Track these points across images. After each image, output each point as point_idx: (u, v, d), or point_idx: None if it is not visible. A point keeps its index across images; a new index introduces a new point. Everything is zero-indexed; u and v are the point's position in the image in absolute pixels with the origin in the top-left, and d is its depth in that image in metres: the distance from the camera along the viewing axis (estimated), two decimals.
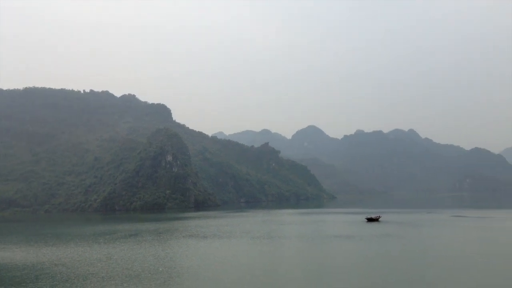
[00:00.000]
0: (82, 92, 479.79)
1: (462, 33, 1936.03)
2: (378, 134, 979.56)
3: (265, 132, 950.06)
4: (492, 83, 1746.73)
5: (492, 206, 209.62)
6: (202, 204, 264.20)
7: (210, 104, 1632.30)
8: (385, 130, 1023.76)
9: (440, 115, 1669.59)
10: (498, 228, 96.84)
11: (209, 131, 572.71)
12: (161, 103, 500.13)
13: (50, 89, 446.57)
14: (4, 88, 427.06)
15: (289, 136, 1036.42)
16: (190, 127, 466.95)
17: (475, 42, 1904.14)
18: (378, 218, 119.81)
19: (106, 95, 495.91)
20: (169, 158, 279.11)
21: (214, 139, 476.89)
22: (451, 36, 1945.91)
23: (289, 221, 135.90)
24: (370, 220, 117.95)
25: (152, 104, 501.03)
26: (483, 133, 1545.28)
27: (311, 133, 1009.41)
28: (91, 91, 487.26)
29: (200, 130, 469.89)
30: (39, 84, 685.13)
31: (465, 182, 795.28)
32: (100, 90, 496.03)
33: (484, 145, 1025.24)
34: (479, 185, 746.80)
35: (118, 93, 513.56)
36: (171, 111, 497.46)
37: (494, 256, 56.56)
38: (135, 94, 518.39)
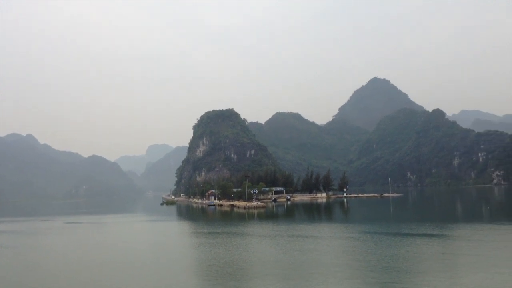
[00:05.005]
0: None
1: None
2: None
3: None
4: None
5: (108, 211, 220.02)
6: None
7: None
8: (2, 134, 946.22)
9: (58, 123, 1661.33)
10: (104, 232, 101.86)
11: None
12: None
13: None
14: None
15: None
16: None
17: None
18: None
19: None
20: None
21: None
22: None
23: None
24: None
25: None
26: (100, 142, 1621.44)
27: None
28: None
29: None
30: None
31: (82, 188, 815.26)
32: None
33: (100, 152, 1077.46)
34: (95, 191, 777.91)
35: None
36: None
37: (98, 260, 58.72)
38: None
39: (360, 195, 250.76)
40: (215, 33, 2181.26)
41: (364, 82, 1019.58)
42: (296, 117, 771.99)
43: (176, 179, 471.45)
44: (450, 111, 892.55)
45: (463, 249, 53.86)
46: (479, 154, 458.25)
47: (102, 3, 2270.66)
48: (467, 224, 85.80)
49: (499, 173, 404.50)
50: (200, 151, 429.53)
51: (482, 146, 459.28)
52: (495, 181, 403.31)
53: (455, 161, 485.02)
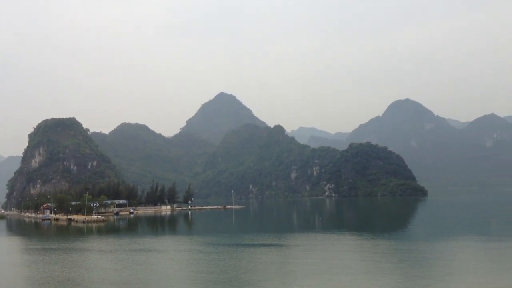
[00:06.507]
0: None
1: None
2: None
3: None
4: None
5: None
6: None
7: None
8: None
9: None
10: None
11: None
12: None
13: None
14: None
15: None
16: None
17: None
18: None
19: None
20: None
21: None
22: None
23: None
24: None
25: None
26: None
27: None
28: None
29: None
30: None
31: None
32: None
33: None
34: None
35: None
36: None
37: None
38: None
39: (204, 207, 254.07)
40: (56, 38, 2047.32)
41: (212, 97, 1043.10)
42: (143, 128, 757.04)
43: (7, 191, 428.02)
44: (290, 128, 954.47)
45: (298, 257, 57.62)
46: (314, 168, 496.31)
47: None
48: (302, 233, 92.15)
49: (330, 186, 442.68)
50: (35, 161, 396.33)
51: (316, 161, 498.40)
52: (327, 193, 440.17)
53: (293, 175, 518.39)
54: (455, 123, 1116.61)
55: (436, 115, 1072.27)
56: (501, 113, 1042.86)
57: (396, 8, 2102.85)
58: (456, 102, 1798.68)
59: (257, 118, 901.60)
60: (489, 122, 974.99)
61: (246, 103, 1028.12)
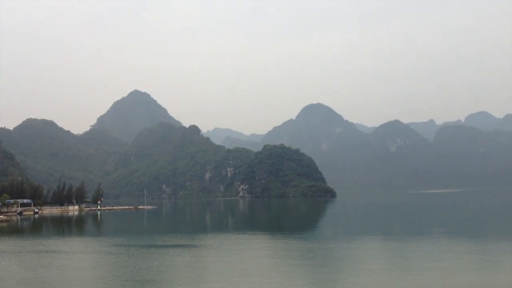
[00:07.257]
0: None
1: None
2: None
3: None
4: None
5: None
6: None
7: None
8: None
9: None
10: None
11: None
12: None
13: None
14: None
15: None
16: None
17: None
18: None
19: None
20: None
21: None
22: None
23: None
24: None
25: None
26: None
27: None
28: None
29: None
30: None
31: None
32: None
33: None
34: None
35: None
36: None
37: None
38: None
39: (114, 207, 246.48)
40: None
41: (125, 94, 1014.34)
42: (50, 124, 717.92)
43: None
44: (205, 128, 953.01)
45: (211, 257, 57.75)
46: (228, 169, 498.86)
47: None
48: (215, 234, 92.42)
49: (244, 187, 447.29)
50: None
51: (231, 162, 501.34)
52: (240, 194, 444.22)
53: (207, 175, 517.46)
54: (362, 128, 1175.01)
55: (345, 119, 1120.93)
56: (405, 120, 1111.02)
57: (307, 15, 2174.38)
58: (364, 107, 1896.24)
59: (172, 118, 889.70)
60: (393, 128, 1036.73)
61: (161, 102, 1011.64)
